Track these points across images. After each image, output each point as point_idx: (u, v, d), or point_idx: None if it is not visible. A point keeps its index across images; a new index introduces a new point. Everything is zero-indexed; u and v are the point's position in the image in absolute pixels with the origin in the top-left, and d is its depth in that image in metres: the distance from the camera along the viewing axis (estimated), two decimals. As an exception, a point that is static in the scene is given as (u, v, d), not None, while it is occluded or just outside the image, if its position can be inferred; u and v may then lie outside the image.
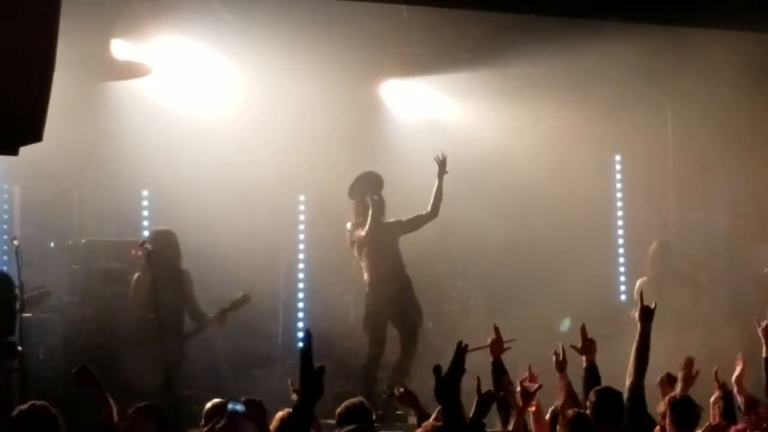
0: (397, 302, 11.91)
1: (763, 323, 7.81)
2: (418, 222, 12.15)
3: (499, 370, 7.69)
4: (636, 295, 12.80)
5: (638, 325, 7.49)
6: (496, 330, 8.05)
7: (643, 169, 14.59)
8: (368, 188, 12.05)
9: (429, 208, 12.10)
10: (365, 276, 12.01)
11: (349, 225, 12.10)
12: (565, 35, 11.90)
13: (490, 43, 12.82)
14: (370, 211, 11.85)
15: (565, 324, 12.84)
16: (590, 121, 13.95)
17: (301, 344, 5.13)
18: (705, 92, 13.21)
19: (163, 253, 11.36)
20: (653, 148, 14.49)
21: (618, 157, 15.07)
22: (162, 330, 10.63)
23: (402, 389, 7.15)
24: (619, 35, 11.78)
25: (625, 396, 7.34)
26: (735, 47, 12.27)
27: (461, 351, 5.86)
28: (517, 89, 13.68)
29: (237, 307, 11.50)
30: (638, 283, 12.98)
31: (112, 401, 7.20)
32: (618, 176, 15.08)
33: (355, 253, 12.11)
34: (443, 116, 14.70)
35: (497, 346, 7.87)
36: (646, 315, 7.46)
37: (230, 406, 7.19)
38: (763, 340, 7.89)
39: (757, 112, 13.23)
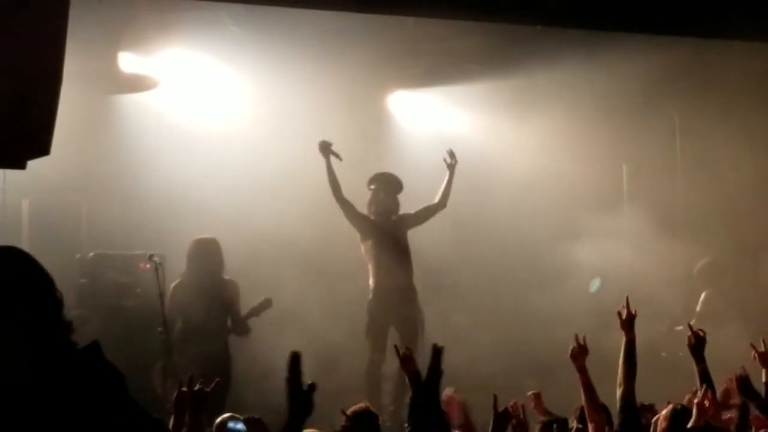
0: (400, 310, 11.95)
1: (761, 350, 7.78)
2: (427, 213, 12.26)
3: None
4: (699, 308, 12.80)
5: (623, 334, 7.48)
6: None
7: (650, 180, 14.57)
8: (382, 186, 12.15)
9: (438, 199, 12.22)
10: (370, 280, 12.09)
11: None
12: (574, 47, 11.91)
13: (497, 54, 12.83)
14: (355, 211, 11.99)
15: (596, 284, 12.85)
16: (598, 132, 13.95)
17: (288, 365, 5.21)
18: (713, 104, 13.21)
19: (205, 262, 11.31)
20: (661, 160, 14.49)
21: (625, 168, 15.06)
22: (169, 342, 10.59)
23: (409, 351, 7.11)
24: (627, 47, 11.79)
25: (617, 405, 7.34)
26: (744, 58, 12.27)
27: (438, 353, 5.94)
28: (525, 100, 13.68)
29: (258, 312, 11.41)
30: (703, 295, 12.97)
31: None
32: (625, 186, 15.06)
33: (362, 250, 12.18)
34: (451, 127, 14.71)
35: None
36: (630, 325, 7.47)
37: (231, 425, 7.17)
38: (762, 366, 7.85)
39: (765, 123, 13.23)
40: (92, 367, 3.53)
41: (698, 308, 12.81)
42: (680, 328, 12.45)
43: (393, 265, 12.06)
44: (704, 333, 7.64)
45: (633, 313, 7.48)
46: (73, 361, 3.49)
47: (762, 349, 7.74)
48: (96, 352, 3.58)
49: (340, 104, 13.38)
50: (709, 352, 7.66)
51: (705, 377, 7.50)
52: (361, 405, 7.48)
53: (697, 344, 7.63)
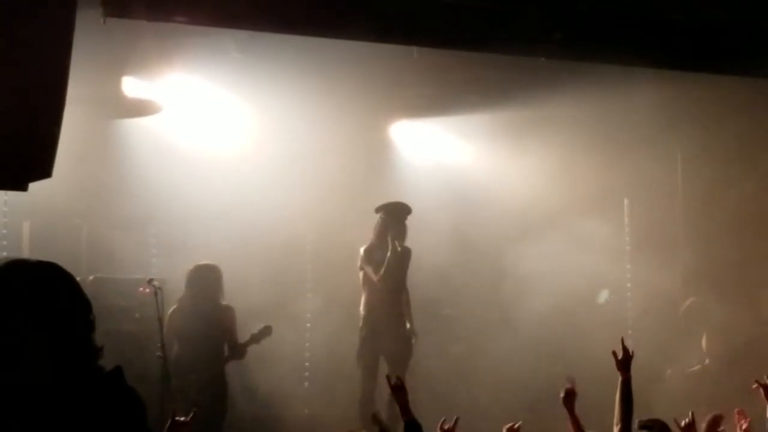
0: (389, 338, 12.01)
1: (764, 383, 7.81)
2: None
3: None
4: (706, 348, 12.77)
5: (619, 375, 7.49)
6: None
7: (651, 214, 14.56)
8: (390, 221, 12.18)
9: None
10: (362, 308, 12.16)
11: (362, 250, 12.22)
12: (575, 79, 11.91)
13: (499, 85, 12.85)
14: (388, 254, 12.00)
15: (603, 296, 12.89)
16: (599, 165, 13.95)
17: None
18: (715, 139, 13.21)
19: (204, 288, 11.30)
20: (662, 194, 14.48)
21: (626, 202, 15.06)
22: (167, 367, 10.55)
23: (400, 381, 7.15)
24: (629, 80, 11.80)
25: None
26: (746, 93, 12.27)
27: None
28: (527, 132, 13.69)
29: (258, 340, 11.38)
30: (705, 335, 12.95)
31: None
32: (626, 220, 15.06)
33: (360, 278, 12.22)
34: (452, 157, 14.72)
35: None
36: (626, 365, 7.48)
37: None
38: (766, 400, 7.86)
39: (766, 159, 13.23)
40: (114, 392, 3.54)
41: (704, 347, 12.79)
42: (697, 367, 12.48)
43: (386, 296, 12.13)
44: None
45: (630, 354, 7.49)
46: (96, 386, 3.49)
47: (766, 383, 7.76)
48: (119, 377, 3.59)
49: (343, 132, 13.40)
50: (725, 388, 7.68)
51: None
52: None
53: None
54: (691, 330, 13.10)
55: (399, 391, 7.02)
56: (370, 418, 11.76)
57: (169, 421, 6.60)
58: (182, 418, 6.65)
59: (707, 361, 12.57)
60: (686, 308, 13.48)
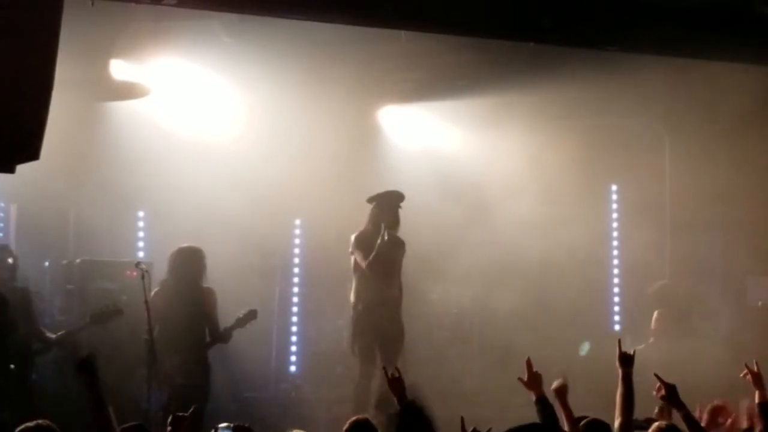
0: (382, 324, 11.91)
1: (754, 370, 7.82)
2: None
3: (544, 407, 7.48)
4: (653, 325, 12.82)
5: (619, 370, 7.49)
6: (529, 365, 7.60)
7: (639, 199, 14.59)
8: (383, 210, 12.09)
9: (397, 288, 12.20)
10: (352, 294, 12.04)
11: (353, 237, 12.12)
12: (564, 64, 11.92)
13: (488, 71, 12.84)
14: (378, 242, 11.91)
15: (585, 348, 12.89)
16: (588, 151, 13.98)
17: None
18: (703, 124, 13.24)
19: (187, 270, 11.25)
20: (650, 179, 14.51)
21: (614, 187, 15.10)
22: (154, 349, 10.53)
23: (398, 372, 7.19)
24: (618, 65, 11.82)
25: None
26: (733, 79, 12.29)
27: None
28: (515, 117, 13.69)
29: (243, 324, 11.32)
30: (656, 313, 12.98)
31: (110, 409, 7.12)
32: (614, 206, 15.10)
33: (351, 264, 12.12)
34: (441, 143, 14.72)
35: (534, 381, 7.64)
36: (626, 360, 7.49)
37: None
38: (755, 387, 7.87)
39: (754, 144, 13.25)
40: None
41: (652, 325, 12.85)
42: (641, 346, 12.49)
43: (379, 281, 12.02)
44: (673, 384, 7.60)
45: (630, 353, 7.50)
46: None
47: (755, 369, 7.76)
48: None
49: (332, 117, 13.37)
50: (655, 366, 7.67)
51: (689, 421, 7.49)
52: (361, 417, 7.48)
53: (669, 393, 7.60)
54: (653, 311, 13.15)
55: (396, 382, 7.07)
56: (364, 403, 11.75)
57: (170, 417, 6.77)
58: (182, 414, 6.83)
59: (652, 339, 12.59)
60: (654, 290, 13.55)
